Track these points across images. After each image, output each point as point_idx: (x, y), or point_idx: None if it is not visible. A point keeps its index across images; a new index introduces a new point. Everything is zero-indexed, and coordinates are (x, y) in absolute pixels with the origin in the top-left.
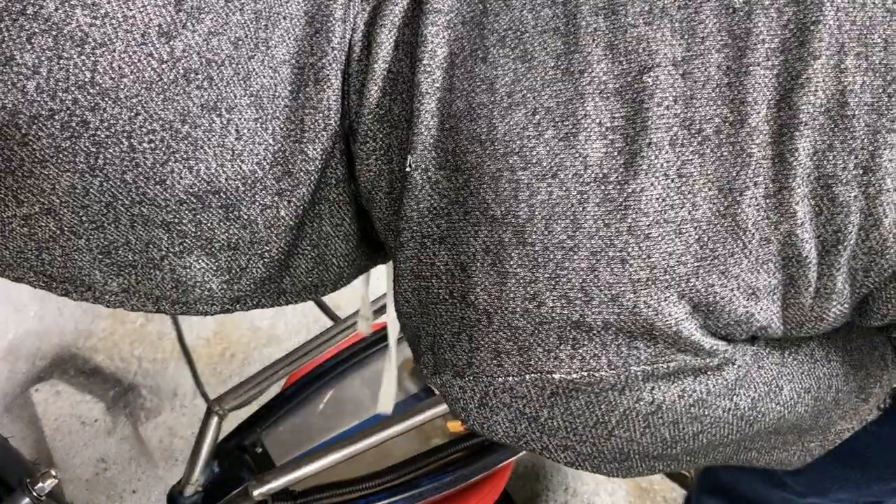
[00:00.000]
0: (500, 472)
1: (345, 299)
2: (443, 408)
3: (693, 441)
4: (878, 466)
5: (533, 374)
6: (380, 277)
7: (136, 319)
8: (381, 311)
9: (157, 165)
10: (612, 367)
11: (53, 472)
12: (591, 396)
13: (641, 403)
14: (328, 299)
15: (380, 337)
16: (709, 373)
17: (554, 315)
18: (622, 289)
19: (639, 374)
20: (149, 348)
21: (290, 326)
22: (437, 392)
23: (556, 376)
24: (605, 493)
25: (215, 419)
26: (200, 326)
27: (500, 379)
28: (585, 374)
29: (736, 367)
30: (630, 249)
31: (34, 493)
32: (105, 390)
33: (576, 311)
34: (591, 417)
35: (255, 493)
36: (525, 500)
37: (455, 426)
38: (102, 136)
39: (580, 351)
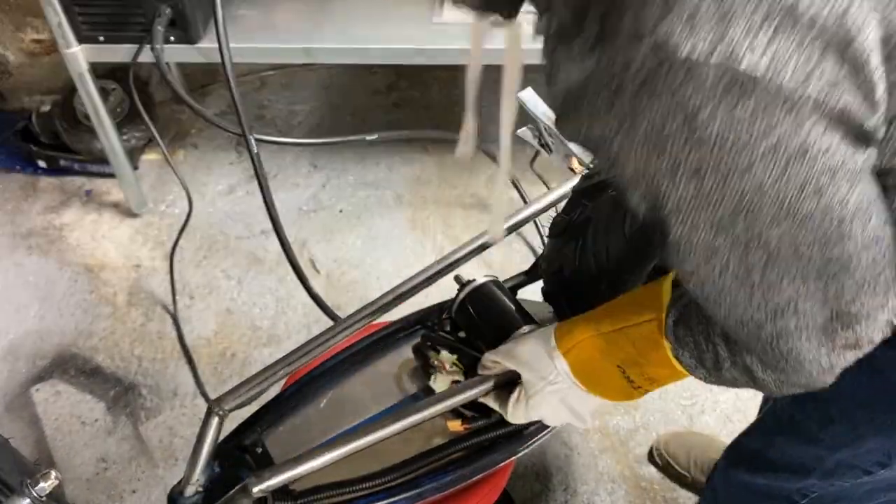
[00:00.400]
0: (500, 472)
1: (344, 300)
2: (441, 406)
3: (800, 223)
4: None
5: (720, 55)
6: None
7: (137, 319)
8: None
9: None
10: (794, 75)
11: (54, 473)
12: (759, 105)
13: (795, 140)
14: (328, 299)
15: (378, 338)
16: (853, 144)
17: None
18: None
19: (810, 99)
20: (149, 348)
21: (290, 326)
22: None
23: (743, 66)
24: (605, 493)
25: (216, 419)
26: (201, 326)
27: (684, 51)
28: (770, 73)
29: (867, 156)
30: None
31: (34, 494)
32: (105, 390)
33: None
34: (746, 134)
35: (255, 489)
36: (525, 500)
37: (455, 426)
38: None
39: (777, 41)
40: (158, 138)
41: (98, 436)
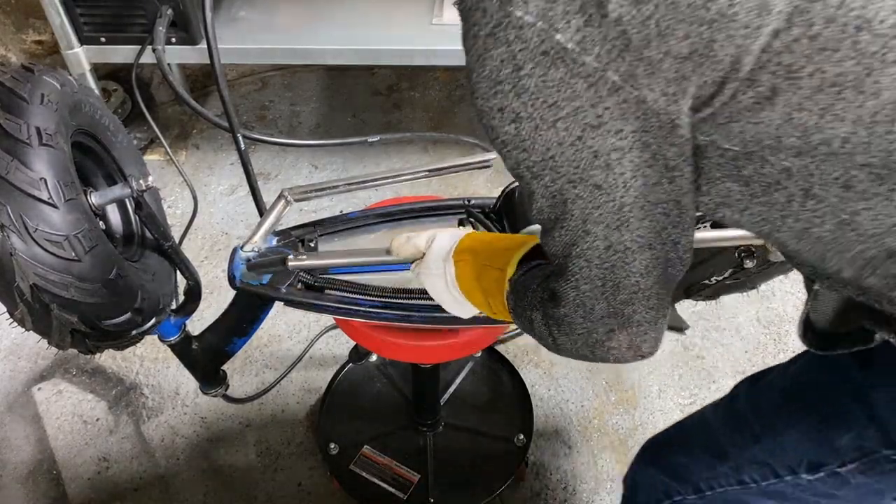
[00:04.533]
0: (489, 331)
1: None
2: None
3: (590, 192)
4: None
5: (543, 24)
6: None
7: None
8: None
9: None
10: (598, 59)
11: (150, 180)
12: (566, 75)
13: (591, 112)
14: None
15: (435, 205)
16: (647, 134)
17: None
18: None
19: (609, 81)
20: (150, 348)
21: (290, 326)
22: (460, 16)
23: (558, 37)
24: (605, 492)
25: (282, 201)
26: (202, 326)
27: (518, 13)
28: (578, 49)
29: (660, 146)
30: None
31: (132, 188)
32: (107, 389)
33: None
34: (554, 94)
35: (291, 264)
36: (525, 499)
37: None
38: None
39: (588, 28)
40: (162, 138)
41: (100, 435)
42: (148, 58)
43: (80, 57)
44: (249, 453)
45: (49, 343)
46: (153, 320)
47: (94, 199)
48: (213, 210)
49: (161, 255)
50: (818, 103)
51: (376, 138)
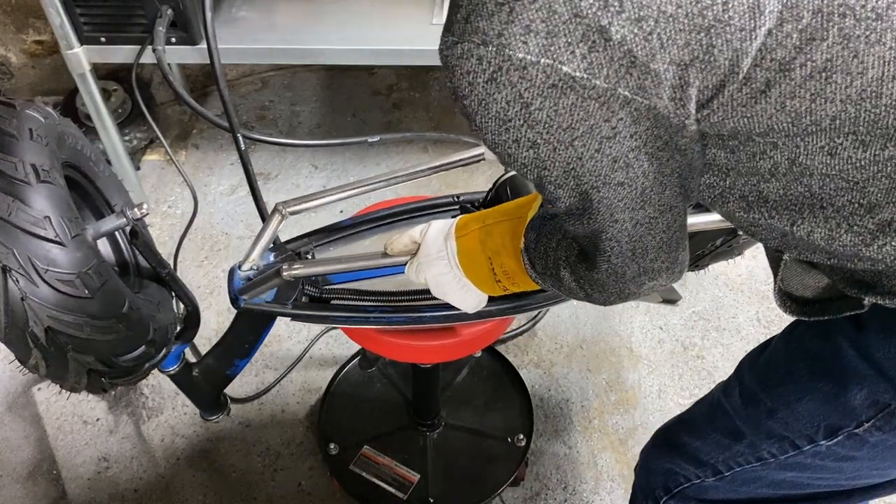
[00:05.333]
0: (497, 323)
1: None
2: (396, 261)
3: (614, 190)
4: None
5: (548, 60)
6: None
7: None
8: None
9: None
10: (607, 80)
11: (145, 206)
12: (577, 100)
13: (606, 125)
14: None
15: (426, 205)
16: (659, 130)
17: (589, 13)
18: (646, 13)
19: (621, 97)
20: None
21: (290, 326)
22: (444, 65)
23: (565, 69)
24: (605, 492)
25: (277, 216)
26: (202, 326)
27: (520, 55)
28: (587, 76)
29: (672, 136)
30: None
31: (127, 217)
32: None
33: (606, 16)
34: (568, 119)
35: (284, 274)
36: (525, 498)
37: None
38: None
39: (593, 54)
40: (162, 138)
41: (100, 435)
42: (148, 58)
43: (81, 57)
44: (249, 453)
45: (62, 387)
46: (164, 351)
47: (91, 232)
48: (213, 210)
49: (158, 282)
50: (809, 90)
51: (376, 138)
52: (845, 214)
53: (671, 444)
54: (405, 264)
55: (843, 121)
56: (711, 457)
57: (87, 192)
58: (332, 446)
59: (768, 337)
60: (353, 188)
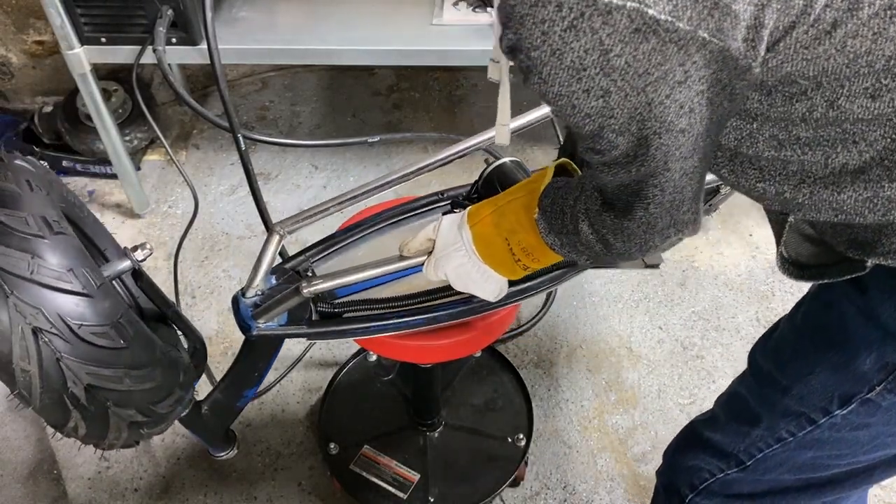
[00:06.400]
0: (497, 323)
1: None
2: (411, 262)
3: (675, 136)
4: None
5: (634, 3)
6: None
7: None
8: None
9: None
10: (690, 22)
11: (149, 246)
12: (658, 44)
13: (680, 70)
14: None
15: (418, 205)
16: (726, 75)
17: None
18: None
19: (699, 39)
20: None
21: None
22: (508, 16)
23: (651, 12)
24: (604, 491)
25: (276, 237)
26: (203, 326)
27: (605, 0)
28: (671, 18)
29: (735, 84)
30: None
31: (132, 259)
32: None
33: None
34: (645, 65)
35: (305, 291)
36: (525, 498)
37: None
38: None
39: None
40: (163, 139)
41: None
42: (148, 58)
43: (81, 57)
44: (249, 453)
45: (98, 447)
46: (191, 392)
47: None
48: (214, 210)
49: (163, 322)
50: (873, 28)
51: (376, 138)
52: (878, 149)
53: (694, 441)
54: (422, 265)
55: None
56: (733, 447)
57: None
58: (332, 446)
59: None
60: (348, 198)
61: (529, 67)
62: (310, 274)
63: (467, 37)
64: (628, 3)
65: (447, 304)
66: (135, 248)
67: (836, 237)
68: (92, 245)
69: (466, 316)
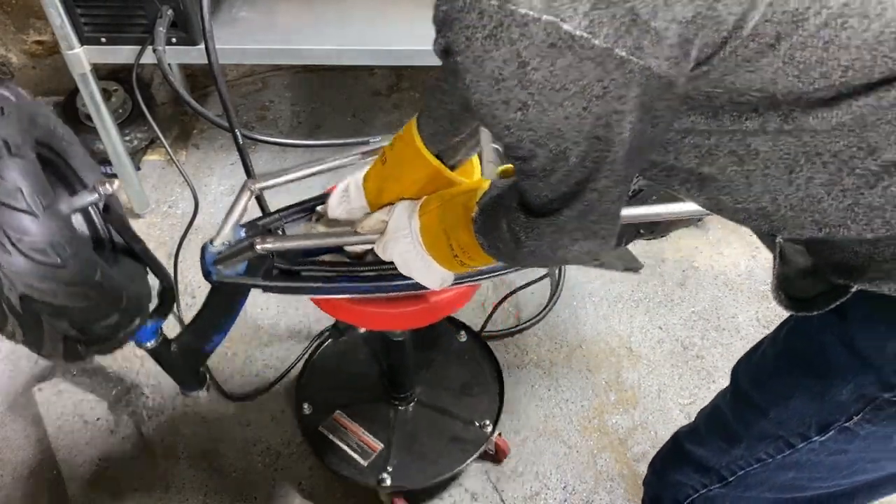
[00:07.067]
0: (446, 301)
1: None
2: (364, 238)
3: (590, 144)
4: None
5: (549, 17)
6: None
7: None
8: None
9: None
10: (606, 39)
11: (117, 182)
12: (574, 60)
13: (598, 86)
14: None
15: None
16: (648, 91)
17: None
18: None
19: (617, 57)
20: None
21: (291, 326)
22: (441, 19)
23: (566, 27)
24: (604, 491)
25: (247, 193)
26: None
27: (522, 10)
28: (587, 34)
29: (656, 97)
30: None
31: (99, 193)
32: (107, 389)
33: None
34: (562, 80)
35: (258, 247)
36: (525, 498)
37: None
38: None
39: (595, 12)
40: (163, 139)
41: (100, 435)
42: (148, 58)
43: (81, 57)
44: (249, 453)
45: (40, 354)
46: (137, 321)
47: (64, 206)
48: (214, 210)
49: (132, 257)
50: (822, 38)
51: (377, 139)
52: (844, 158)
53: (678, 454)
54: (374, 242)
55: (856, 70)
56: (715, 462)
57: (61, 171)
58: (306, 406)
59: None
60: (325, 163)
61: (456, 72)
62: (280, 233)
63: None
64: (543, 17)
65: (398, 275)
66: (102, 183)
67: (821, 258)
68: (76, 177)
69: (416, 289)
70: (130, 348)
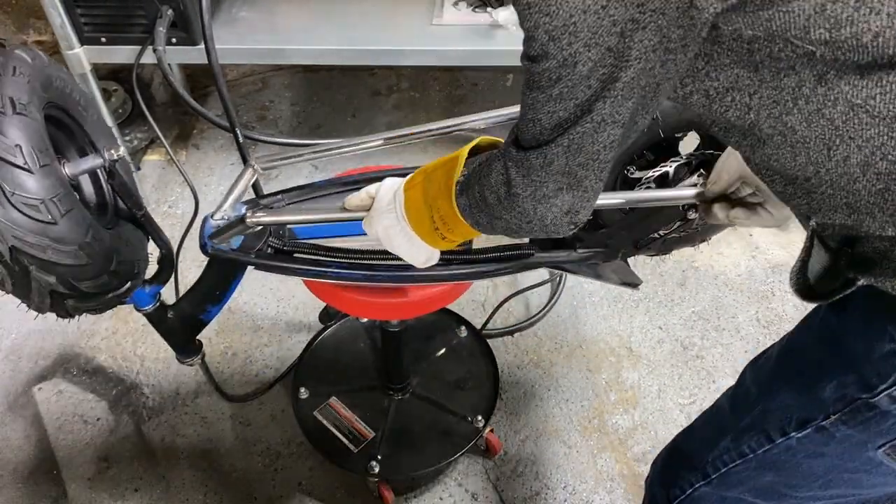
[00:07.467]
0: (432, 297)
1: None
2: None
3: (593, 48)
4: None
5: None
6: None
7: (139, 319)
8: None
9: None
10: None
11: (122, 148)
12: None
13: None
14: None
15: (399, 173)
16: (672, 27)
17: None
18: None
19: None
20: (151, 348)
21: (290, 326)
22: None
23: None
24: (604, 491)
25: (249, 170)
26: None
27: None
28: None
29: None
30: None
31: (104, 158)
32: (107, 389)
33: None
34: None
35: (248, 220)
36: (525, 498)
37: None
38: None
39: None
40: (163, 139)
41: (100, 435)
42: (148, 58)
43: (81, 57)
44: (249, 453)
45: (29, 306)
46: (129, 284)
47: (68, 169)
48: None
49: (134, 223)
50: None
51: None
52: (877, 144)
53: (672, 453)
54: (362, 217)
55: (887, 39)
56: (701, 456)
57: (73, 134)
58: (302, 391)
59: (767, 337)
60: (325, 149)
61: None
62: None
63: (467, 37)
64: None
65: (387, 266)
66: (108, 148)
67: (841, 250)
68: (88, 141)
69: (403, 282)
70: (131, 348)
